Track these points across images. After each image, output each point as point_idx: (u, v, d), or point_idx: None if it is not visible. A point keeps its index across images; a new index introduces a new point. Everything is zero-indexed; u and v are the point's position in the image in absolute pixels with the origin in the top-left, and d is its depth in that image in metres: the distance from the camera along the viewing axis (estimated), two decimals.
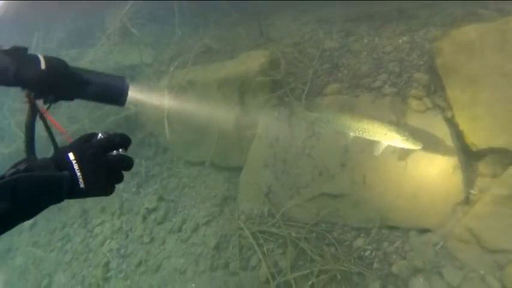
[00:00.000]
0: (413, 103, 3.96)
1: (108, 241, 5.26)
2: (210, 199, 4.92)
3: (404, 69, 4.27)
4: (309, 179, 4.18)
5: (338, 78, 4.49)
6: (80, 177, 1.21)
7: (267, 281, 3.98)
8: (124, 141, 1.34)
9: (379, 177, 3.90)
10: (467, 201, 3.67)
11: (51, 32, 7.45)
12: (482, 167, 3.76)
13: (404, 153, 3.75)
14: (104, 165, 1.26)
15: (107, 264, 5.08)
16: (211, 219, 4.75)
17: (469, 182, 3.73)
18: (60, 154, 1.26)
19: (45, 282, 5.43)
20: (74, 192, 1.20)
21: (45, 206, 1.18)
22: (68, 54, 6.82)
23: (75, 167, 1.22)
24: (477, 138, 3.67)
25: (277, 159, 4.37)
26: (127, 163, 1.32)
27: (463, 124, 3.76)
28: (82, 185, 1.21)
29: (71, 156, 1.23)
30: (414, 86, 4.07)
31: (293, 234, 4.11)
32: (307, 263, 3.94)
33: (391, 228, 3.87)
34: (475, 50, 3.77)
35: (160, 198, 5.22)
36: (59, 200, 1.19)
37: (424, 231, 3.75)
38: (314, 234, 4.09)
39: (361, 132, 3.59)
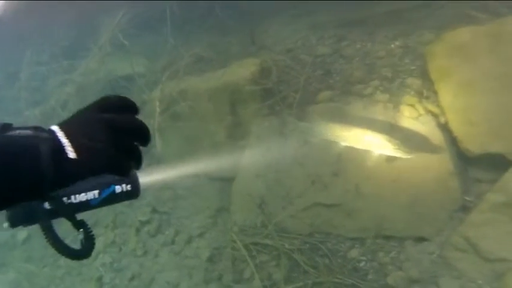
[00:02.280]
0: (406, 109, 3.88)
1: (101, 255, 5.17)
2: (203, 210, 4.84)
3: (397, 74, 4.19)
4: (302, 189, 4.10)
5: (330, 85, 4.41)
6: (67, 143, 0.86)
7: None
8: (124, 103, 0.98)
9: (372, 185, 3.81)
10: (463, 208, 3.57)
11: (43, 44, 7.44)
12: (478, 173, 3.66)
13: (398, 161, 3.66)
14: (103, 124, 0.91)
15: (100, 278, 4.99)
16: (205, 231, 4.67)
17: (465, 188, 3.64)
18: (22, 140, 0.89)
19: None
20: (61, 165, 0.85)
21: (20, 184, 0.83)
22: (61, 66, 6.82)
23: (59, 133, 0.87)
24: (472, 144, 3.58)
25: (269, 169, 4.29)
26: (136, 124, 0.96)
27: (457, 130, 3.67)
28: (72, 154, 0.86)
29: (54, 126, 0.90)
30: (407, 92, 4.00)
31: (286, 245, 4.02)
32: (300, 275, 3.85)
33: (387, 237, 3.77)
34: (468, 54, 3.70)
35: (154, 211, 5.14)
36: (39, 173, 0.82)
37: (420, 240, 3.65)
38: (308, 245, 4.00)
39: (352, 141, 3.51)
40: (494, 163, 3.47)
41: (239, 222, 4.42)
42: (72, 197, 1.15)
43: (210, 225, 4.68)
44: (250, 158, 4.46)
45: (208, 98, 4.76)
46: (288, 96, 4.50)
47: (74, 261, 5.28)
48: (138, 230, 5.09)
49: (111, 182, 1.21)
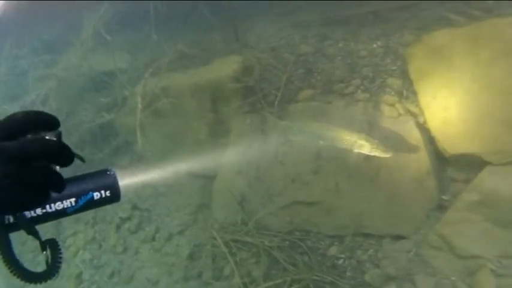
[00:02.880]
0: (386, 109, 3.92)
1: (81, 252, 5.13)
2: (184, 208, 4.83)
3: (378, 74, 4.23)
4: (282, 187, 4.11)
5: (311, 84, 4.43)
6: None
7: None
8: (35, 118, 0.85)
9: (352, 184, 3.84)
10: (440, 207, 3.63)
11: (23, 37, 7.30)
12: (455, 172, 3.72)
13: (377, 160, 3.69)
14: (2, 158, 0.79)
15: (79, 275, 4.96)
16: (185, 228, 4.66)
17: (442, 187, 3.70)
18: None
19: None
20: None
21: None
22: (42, 60, 6.71)
23: None
24: (449, 144, 3.63)
25: (250, 167, 4.30)
26: (51, 146, 0.83)
27: (435, 130, 3.73)
28: None
29: None
30: (387, 92, 4.04)
31: (266, 243, 4.04)
32: (280, 272, 3.87)
33: (365, 235, 3.82)
34: (446, 55, 3.75)
35: (135, 207, 5.11)
36: None
37: (397, 238, 3.70)
38: (287, 242, 4.02)
39: (331, 140, 3.53)
40: (470, 163, 3.53)
41: (220, 220, 4.42)
42: (47, 206, 1.06)
43: (191, 223, 4.68)
44: (232, 155, 4.46)
45: (190, 95, 4.74)
46: (269, 94, 4.51)
47: None
48: (118, 227, 5.06)
49: (90, 189, 1.14)
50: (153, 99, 4.99)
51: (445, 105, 3.65)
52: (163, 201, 5.04)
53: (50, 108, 5.95)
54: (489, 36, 3.57)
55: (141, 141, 4.92)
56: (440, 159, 3.76)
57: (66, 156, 0.86)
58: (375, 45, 4.56)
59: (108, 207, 5.29)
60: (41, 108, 6.37)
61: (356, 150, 3.51)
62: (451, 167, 3.74)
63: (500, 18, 3.84)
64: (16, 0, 6.57)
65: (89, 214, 5.39)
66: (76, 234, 5.33)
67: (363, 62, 4.41)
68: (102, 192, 1.14)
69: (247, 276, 3.96)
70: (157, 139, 5.18)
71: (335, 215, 3.91)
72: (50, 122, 0.87)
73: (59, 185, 0.89)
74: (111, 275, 4.75)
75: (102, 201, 1.15)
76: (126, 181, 1.23)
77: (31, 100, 6.19)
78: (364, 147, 3.38)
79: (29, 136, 0.85)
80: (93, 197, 1.13)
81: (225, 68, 4.68)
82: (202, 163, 4.81)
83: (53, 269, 1.08)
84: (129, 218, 5.05)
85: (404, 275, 3.46)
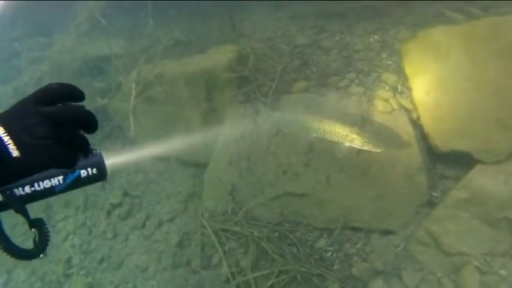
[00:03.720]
0: (380, 103, 3.91)
1: (71, 236, 5.12)
2: (175, 195, 4.82)
3: (373, 68, 4.22)
4: (273, 178, 4.11)
5: (306, 75, 4.41)
6: (9, 141, 0.83)
7: (228, 280, 3.92)
8: (66, 91, 0.93)
9: (343, 177, 3.85)
10: (429, 203, 3.66)
11: (17, 18, 7.19)
12: (445, 169, 3.75)
13: (368, 155, 3.70)
14: (43, 118, 0.87)
15: (68, 260, 4.95)
16: (175, 216, 4.66)
17: (432, 184, 3.72)
18: None
19: (3, 279, 5.25)
20: (5, 164, 0.83)
21: None
22: (36, 43, 6.63)
23: (0, 131, 0.84)
24: (440, 141, 3.65)
25: (242, 157, 4.29)
26: (81, 114, 0.92)
27: (428, 126, 3.73)
28: (15, 153, 0.83)
29: None
30: (381, 86, 4.03)
31: (255, 233, 4.05)
32: (268, 263, 3.89)
33: (354, 229, 3.84)
34: (442, 52, 3.75)
35: (125, 194, 5.10)
36: None
37: (386, 232, 3.73)
38: (277, 233, 4.04)
39: (322, 133, 3.52)
40: (461, 161, 3.55)
41: (210, 209, 4.43)
42: (36, 184, 1.09)
43: (181, 210, 4.68)
44: (224, 145, 4.45)
45: (184, 83, 4.71)
46: (263, 85, 4.49)
47: None
48: (108, 213, 5.05)
49: (76, 167, 1.15)
50: (147, 86, 4.96)
51: (439, 102, 3.66)
52: (154, 188, 5.03)
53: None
54: (485, 34, 3.57)
55: (133, 127, 4.89)
56: (432, 155, 3.77)
57: (93, 124, 0.95)
58: (371, 40, 4.54)
59: (100, 193, 5.29)
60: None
61: (349, 144, 3.50)
62: (442, 164, 3.76)
63: (497, 16, 3.84)
64: (16, 0, 6.48)
65: (79, 199, 5.38)
66: (66, 219, 5.32)
67: (359, 56, 4.40)
68: (89, 169, 1.16)
69: (235, 265, 3.97)
70: (150, 126, 5.15)
71: (325, 207, 3.92)
72: (78, 95, 0.95)
73: (87, 148, 0.98)
74: (101, 261, 4.75)
75: (89, 179, 1.17)
76: (112, 161, 1.24)
77: (24, 83, 6.13)
78: (355, 141, 3.38)
79: (60, 105, 0.93)
80: (80, 174, 1.15)
81: (220, 57, 4.64)
82: (194, 151, 4.80)
83: (40, 247, 1.12)
84: (119, 204, 5.04)
85: (392, 270, 3.49)
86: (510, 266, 3.11)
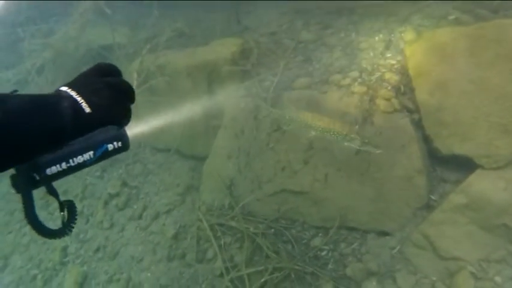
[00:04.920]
0: (382, 103, 3.86)
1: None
2: (173, 187, 4.82)
3: (377, 67, 4.15)
4: (272, 174, 4.09)
5: (309, 72, 4.36)
6: (82, 101, 1.02)
7: (221, 275, 3.93)
8: (113, 68, 1.17)
9: (341, 177, 3.82)
10: (427, 206, 3.62)
11: (21, 3, 7.15)
12: (445, 173, 3.70)
13: (368, 155, 3.66)
14: (104, 85, 1.09)
15: (65, 248, 4.97)
16: (172, 208, 4.66)
17: (431, 187, 3.68)
18: (46, 96, 1.02)
19: (0, 264, 5.29)
20: (80, 119, 1.00)
21: (45, 133, 0.94)
22: (39, 29, 6.59)
23: (72, 93, 1.02)
24: (442, 144, 3.60)
25: (241, 152, 4.27)
26: (127, 85, 1.15)
27: (429, 128, 3.68)
28: (88, 109, 1.02)
29: (63, 87, 1.05)
30: (384, 86, 3.96)
31: (251, 229, 4.04)
32: (262, 260, 3.88)
33: (350, 229, 3.82)
34: (447, 54, 3.68)
35: (124, 184, 5.09)
36: (62, 125, 0.96)
37: (382, 234, 3.70)
38: (272, 230, 4.02)
39: (322, 131, 3.48)
40: (461, 165, 3.50)
41: (207, 202, 4.42)
42: (71, 160, 1.16)
43: (178, 203, 4.67)
44: (223, 138, 4.43)
45: (186, 75, 4.68)
46: (265, 80, 4.45)
47: None
48: (106, 203, 5.05)
49: (104, 142, 1.26)
50: (149, 77, 4.93)
51: (442, 104, 3.60)
52: (152, 179, 5.03)
53: (45, 79, 5.89)
54: (492, 37, 3.50)
55: (133, 118, 4.86)
56: (432, 158, 3.72)
57: (134, 96, 1.18)
58: (376, 38, 4.47)
59: (99, 182, 5.28)
60: (36, 79, 6.31)
61: (349, 144, 3.46)
62: (442, 167, 3.71)
63: (506, 19, 3.76)
64: (17, 0, 6.45)
65: (78, 188, 5.39)
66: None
67: (363, 54, 4.33)
68: (115, 143, 1.27)
69: (229, 260, 3.97)
70: (150, 116, 5.11)
71: (322, 206, 3.89)
72: (119, 73, 1.18)
73: (130, 117, 1.20)
74: (97, 250, 4.76)
75: (115, 152, 1.28)
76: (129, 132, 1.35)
77: (26, 69, 6.11)
78: (355, 141, 3.34)
79: (114, 77, 1.16)
80: (107, 148, 1.26)
81: (223, 50, 4.60)
82: (193, 144, 4.78)
83: (67, 227, 1.21)
84: (117, 195, 5.04)
85: (386, 271, 3.47)
86: (506, 273, 3.08)
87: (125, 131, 1.30)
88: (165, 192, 4.82)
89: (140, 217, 4.76)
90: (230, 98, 4.49)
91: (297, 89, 4.24)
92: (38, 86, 5.83)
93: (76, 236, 5.01)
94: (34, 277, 5.01)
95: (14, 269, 5.19)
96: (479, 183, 3.27)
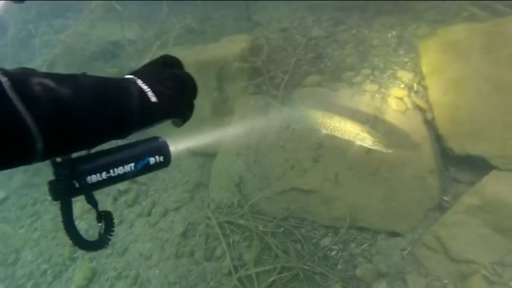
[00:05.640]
0: (394, 102, 3.79)
1: (77, 221, 5.14)
2: (182, 184, 4.80)
3: (389, 65, 4.08)
4: (281, 172, 4.04)
5: (320, 69, 4.31)
6: (148, 89, 1.00)
7: (230, 273, 3.90)
8: (177, 61, 1.17)
9: (352, 176, 3.76)
10: (440, 207, 3.54)
11: (32, 1, 7.17)
12: (458, 173, 3.62)
13: (379, 154, 3.59)
14: (170, 76, 1.08)
15: None
16: (181, 206, 4.64)
17: (444, 188, 3.60)
18: (115, 80, 1.01)
19: (12, 258, 5.34)
20: (146, 107, 0.97)
21: (111, 118, 0.91)
22: (50, 25, 6.61)
23: (139, 81, 1.01)
24: (455, 144, 3.52)
25: (250, 149, 4.23)
26: (192, 78, 1.14)
27: (443, 128, 3.60)
28: (154, 99, 0.99)
29: (129, 76, 1.04)
30: (397, 84, 3.89)
31: (260, 227, 4.00)
32: (271, 259, 3.84)
33: (360, 229, 3.76)
34: (462, 51, 3.59)
35: (133, 180, 5.09)
36: (130, 111, 0.94)
37: (393, 235, 3.64)
38: (282, 229, 3.98)
39: (335, 129, 3.43)
40: (476, 165, 3.42)
41: (216, 200, 4.39)
42: (111, 170, 1.12)
43: (187, 200, 4.65)
44: (233, 136, 4.39)
45: (196, 71, 4.58)
46: (276, 77, 4.40)
47: (50, 225, 5.32)
48: (115, 199, 5.06)
49: (146, 154, 1.21)
50: None
51: (456, 103, 3.52)
52: (161, 176, 5.01)
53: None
54: (510, 34, 3.40)
55: None
56: (445, 158, 3.65)
57: (197, 90, 1.18)
58: (389, 35, 4.40)
59: None
60: None
61: (360, 142, 3.41)
62: (456, 168, 3.63)
63: None
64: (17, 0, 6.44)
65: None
66: (74, 203, 5.30)
67: (375, 51, 4.26)
68: (157, 157, 1.23)
69: (238, 259, 3.94)
70: None
71: (332, 205, 3.84)
72: (181, 65, 1.19)
73: (193, 111, 1.20)
74: None
75: (156, 166, 1.24)
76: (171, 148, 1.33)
77: (37, 65, 6.12)
78: (366, 140, 3.28)
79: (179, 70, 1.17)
80: (149, 161, 1.21)
81: (233, 47, 4.56)
82: (203, 141, 4.75)
83: (104, 239, 1.16)
84: (126, 191, 5.04)
85: (396, 273, 3.40)
86: None
87: (167, 145, 1.26)
88: (174, 189, 4.81)
89: (149, 214, 4.76)
90: (240, 95, 4.46)
91: (307, 87, 4.19)
92: None
93: (85, 232, 5.01)
94: (44, 272, 5.05)
95: (25, 263, 5.23)
96: (494, 185, 3.18)
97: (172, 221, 4.56)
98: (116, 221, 4.26)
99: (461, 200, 3.30)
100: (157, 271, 4.33)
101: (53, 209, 5.48)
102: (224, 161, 4.42)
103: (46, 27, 6.73)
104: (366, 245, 3.67)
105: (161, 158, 1.23)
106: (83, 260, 4.81)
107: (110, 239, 1.17)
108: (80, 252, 4.92)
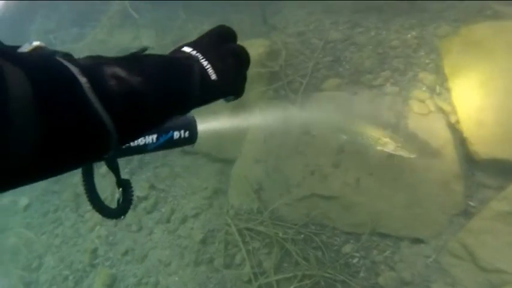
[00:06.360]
0: (415, 105, 3.69)
1: (97, 227, 5.18)
2: (200, 191, 4.77)
3: (410, 67, 3.99)
4: (301, 178, 3.98)
5: (339, 72, 4.24)
6: (209, 66, 0.96)
7: (250, 281, 3.85)
8: (233, 33, 1.11)
9: (373, 181, 3.67)
10: (465, 213, 3.42)
11: (53, 11, 7.31)
12: (485, 178, 3.48)
13: (401, 159, 3.50)
14: (228, 52, 1.03)
15: (94, 250, 5.02)
16: (200, 212, 4.62)
17: (469, 193, 3.48)
18: (173, 51, 1.01)
19: (36, 264, 5.42)
20: (205, 85, 0.95)
21: (179, 99, 0.91)
22: (69, 35, 6.71)
23: (200, 58, 0.96)
24: (481, 147, 3.40)
25: (269, 155, 4.18)
26: (247, 53, 1.08)
27: (468, 131, 3.48)
28: (213, 76, 0.96)
29: (187, 48, 0.99)
30: (418, 86, 3.80)
31: (280, 234, 3.94)
32: (291, 266, 3.78)
33: (383, 235, 3.66)
34: (486, 51, 3.48)
35: (152, 187, 5.10)
36: (192, 91, 0.92)
37: (416, 241, 3.52)
38: (302, 235, 3.91)
39: (355, 134, 3.36)
40: (504, 170, 3.30)
41: (235, 206, 4.35)
42: None
43: (206, 207, 4.63)
44: (252, 142, 4.35)
45: None
46: (294, 81, 4.35)
47: (71, 231, 5.38)
48: (135, 206, 5.06)
49: (170, 128, 1.17)
50: None
51: (481, 105, 3.40)
52: (180, 182, 5.00)
53: None
54: None
55: None
56: (471, 162, 3.53)
57: (249, 64, 1.12)
58: (408, 36, 4.30)
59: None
60: None
61: (381, 147, 3.33)
62: (482, 172, 3.50)
63: None
64: (17, 0, 6.60)
65: (107, 190, 5.39)
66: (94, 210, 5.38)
67: (395, 53, 4.17)
68: (182, 132, 1.19)
69: (258, 266, 3.89)
70: None
71: (353, 211, 3.76)
72: (236, 38, 1.12)
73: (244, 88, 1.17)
74: (125, 253, 4.78)
75: (180, 142, 1.21)
76: (201, 127, 1.27)
77: None
78: (388, 145, 3.20)
79: (238, 44, 1.10)
80: (173, 136, 1.19)
81: (250, 51, 4.37)
82: (221, 147, 4.73)
83: (122, 209, 1.19)
84: (145, 198, 5.05)
85: (421, 282, 3.30)
86: None
87: (195, 121, 1.24)
88: (192, 196, 4.79)
89: (168, 221, 4.75)
90: (258, 100, 4.42)
91: (326, 91, 4.13)
92: None
93: (105, 238, 5.05)
94: (66, 278, 5.10)
95: (48, 268, 5.30)
96: None
97: (192, 228, 4.55)
98: (135, 227, 4.28)
99: (489, 206, 3.18)
100: (176, 278, 4.32)
101: (73, 216, 5.54)
102: (243, 167, 4.38)
103: (65, 36, 6.84)
104: (388, 252, 3.58)
105: (186, 134, 1.20)
106: (103, 267, 4.83)
107: (128, 208, 1.19)
108: (100, 259, 4.94)
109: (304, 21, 5.07)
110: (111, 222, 5.12)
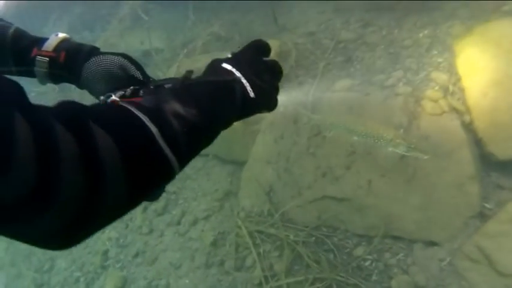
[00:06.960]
0: (429, 105, 3.62)
1: (108, 229, 5.19)
2: (211, 193, 4.76)
3: (422, 66, 3.92)
4: (312, 180, 3.94)
5: (350, 73, 4.18)
6: (247, 84, 1.02)
7: (260, 284, 3.82)
8: (268, 48, 1.17)
9: (385, 183, 3.61)
10: (481, 215, 3.34)
11: (64, 14, 7.37)
12: (501, 179, 3.41)
13: (414, 160, 3.44)
14: (264, 68, 1.09)
15: (105, 252, 5.04)
16: (211, 214, 4.60)
17: (485, 195, 3.40)
18: (211, 66, 1.09)
19: (48, 265, 5.45)
20: (245, 104, 1.02)
21: (226, 120, 1.01)
22: (80, 38, 6.74)
23: (241, 77, 1.03)
24: (497, 148, 3.32)
25: (280, 157, 4.15)
26: (280, 68, 1.15)
27: (483, 131, 3.41)
28: (252, 94, 1.03)
29: (227, 66, 1.06)
30: (431, 86, 3.73)
31: (291, 236, 3.91)
32: (302, 269, 3.74)
33: (395, 238, 3.60)
34: (502, 49, 3.40)
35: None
36: (234, 110, 1.01)
37: (430, 244, 3.46)
38: (313, 238, 3.87)
39: (367, 135, 3.30)
40: None
41: (246, 209, 4.33)
42: None
43: (217, 209, 4.61)
44: (262, 143, 4.32)
45: None
46: (305, 82, 4.30)
47: None
48: (145, 208, 5.07)
49: None
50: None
51: (497, 105, 3.33)
52: (190, 184, 4.99)
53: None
54: None
55: None
56: (486, 163, 3.45)
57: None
58: (420, 35, 4.23)
59: None
60: (77, 89, 6.44)
61: (394, 148, 3.26)
62: (498, 173, 3.43)
63: None
64: (16, 0, 6.67)
65: None
66: None
67: (407, 53, 4.11)
68: None
69: (269, 269, 3.86)
70: None
71: (365, 213, 3.70)
72: (269, 51, 1.17)
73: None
74: (136, 255, 4.78)
75: None
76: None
77: None
78: (401, 146, 3.13)
79: (273, 59, 1.17)
80: None
81: None
82: (232, 149, 4.70)
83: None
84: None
85: (435, 286, 3.24)
86: None
87: None
88: (203, 198, 4.77)
89: (179, 223, 4.74)
90: None
91: (337, 91, 4.07)
92: (80, 95, 5.95)
93: (116, 241, 5.06)
94: (77, 279, 5.12)
95: (60, 270, 5.33)
96: None
97: (202, 230, 4.53)
98: (145, 230, 4.26)
99: (506, 208, 3.11)
100: (187, 281, 4.30)
101: None
102: (254, 169, 4.35)
103: (76, 39, 6.85)
104: (401, 254, 3.51)
105: None
106: (114, 269, 4.84)
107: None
108: (111, 261, 4.95)
109: (315, 21, 5.02)
110: (122, 225, 5.13)
